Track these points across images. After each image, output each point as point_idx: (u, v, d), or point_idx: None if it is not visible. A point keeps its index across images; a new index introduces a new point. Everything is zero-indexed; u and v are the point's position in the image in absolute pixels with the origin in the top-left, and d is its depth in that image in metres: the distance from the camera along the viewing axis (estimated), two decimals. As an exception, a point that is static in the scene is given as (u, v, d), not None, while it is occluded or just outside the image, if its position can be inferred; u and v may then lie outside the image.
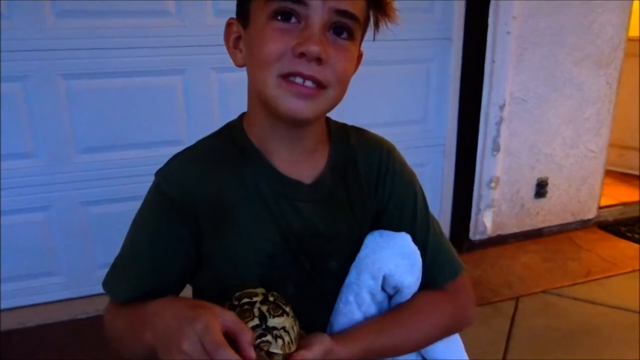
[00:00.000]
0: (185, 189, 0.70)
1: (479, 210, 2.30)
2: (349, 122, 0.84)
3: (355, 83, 0.75)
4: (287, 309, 0.65)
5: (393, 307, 0.78)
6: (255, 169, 0.73)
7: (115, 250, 0.75)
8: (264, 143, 0.73)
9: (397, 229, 0.78)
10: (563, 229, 2.49)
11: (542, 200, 2.38)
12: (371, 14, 0.70)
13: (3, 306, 1.76)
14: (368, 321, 0.75)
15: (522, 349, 1.64)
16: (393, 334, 0.74)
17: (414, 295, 0.77)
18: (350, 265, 0.76)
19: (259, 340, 0.60)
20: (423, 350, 0.80)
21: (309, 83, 0.64)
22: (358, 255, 0.76)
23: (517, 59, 2.10)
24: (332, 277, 0.76)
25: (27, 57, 1.60)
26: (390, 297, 0.78)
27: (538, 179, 2.34)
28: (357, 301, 0.74)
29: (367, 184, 0.79)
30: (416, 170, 0.85)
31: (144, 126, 1.78)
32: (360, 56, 0.74)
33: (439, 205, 2.33)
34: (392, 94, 2.10)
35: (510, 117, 2.18)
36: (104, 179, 1.77)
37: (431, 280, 0.79)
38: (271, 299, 0.65)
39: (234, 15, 0.72)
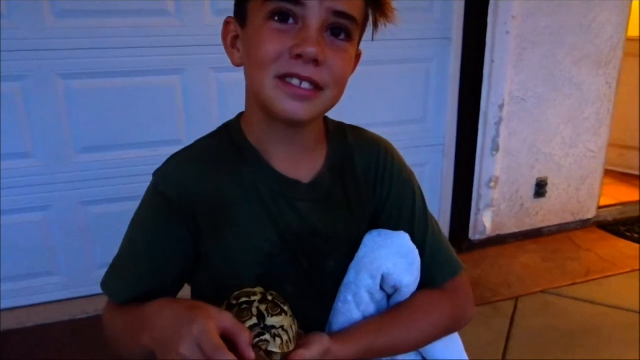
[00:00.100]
0: (183, 189, 0.70)
1: (478, 210, 2.30)
2: (348, 122, 0.84)
3: (355, 83, 0.75)
4: (286, 308, 0.65)
5: (392, 306, 0.78)
6: (253, 168, 0.73)
7: (115, 250, 0.75)
8: (262, 143, 0.73)
9: (395, 228, 0.77)
10: (562, 229, 2.49)
11: (542, 200, 2.38)
12: (370, 13, 0.70)
13: (2, 306, 1.77)
14: (367, 320, 0.75)
15: (522, 348, 1.63)
16: (392, 333, 0.74)
17: (413, 295, 0.77)
18: (348, 264, 0.76)
19: (257, 340, 0.60)
20: (423, 350, 0.80)
21: (305, 84, 0.64)
22: (356, 254, 0.76)
23: (516, 58, 2.10)
24: (331, 277, 0.76)
25: (27, 57, 1.60)
26: (389, 297, 0.78)
27: (537, 179, 2.34)
28: (356, 300, 0.74)
29: (365, 183, 0.79)
30: (415, 170, 0.85)
31: (143, 126, 1.78)
32: (358, 56, 0.74)
33: (439, 205, 2.33)
34: (392, 93, 2.10)
35: (509, 117, 2.18)
36: (103, 179, 1.77)
37: (430, 279, 0.79)
38: (269, 298, 0.65)
39: (232, 15, 0.71)
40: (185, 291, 0.79)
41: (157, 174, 0.72)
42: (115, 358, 0.73)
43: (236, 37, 0.71)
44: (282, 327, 0.62)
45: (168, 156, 0.74)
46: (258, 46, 0.64)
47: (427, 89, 2.16)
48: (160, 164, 0.74)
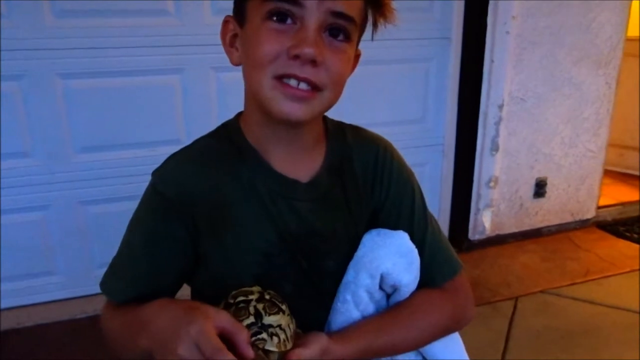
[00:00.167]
0: (182, 189, 0.70)
1: (477, 210, 2.30)
2: (348, 122, 0.84)
3: (354, 83, 0.75)
4: (284, 307, 0.65)
5: (391, 305, 0.77)
6: (252, 168, 0.72)
7: (114, 249, 0.75)
8: (261, 142, 0.73)
9: (394, 227, 0.77)
10: (562, 229, 2.49)
11: (541, 200, 2.38)
12: (369, 14, 0.69)
13: (2, 306, 1.76)
14: (366, 320, 0.75)
15: (521, 348, 1.63)
16: (391, 333, 0.74)
17: (413, 294, 0.77)
18: (347, 264, 0.76)
19: (254, 338, 0.60)
20: (423, 350, 0.80)
21: (303, 85, 0.64)
22: (355, 254, 0.75)
23: (516, 58, 2.10)
24: (330, 276, 0.76)
25: (26, 57, 1.60)
26: (388, 296, 0.78)
27: (537, 179, 2.34)
28: (355, 300, 0.74)
29: (363, 182, 0.79)
30: (415, 170, 0.84)
31: (143, 125, 1.78)
32: (357, 56, 0.73)
33: (438, 204, 2.33)
34: (391, 93, 2.10)
35: (509, 117, 2.18)
36: (103, 179, 1.77)
37: (429, 279, 0.79)
38: (267, 297, 0.65)
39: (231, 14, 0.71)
40: (185, 291, 0.79)
41: (155, 173, 0.72)
42: (114, 358, 0.73)
43: (235, 36, 0.70)
44: (279, 325, 0.62)
45: (167, 156, 0.74)
46: (256, 46, 0.64)
47: (427, 88, 2.16)
48: (159, 163, 0.74)
